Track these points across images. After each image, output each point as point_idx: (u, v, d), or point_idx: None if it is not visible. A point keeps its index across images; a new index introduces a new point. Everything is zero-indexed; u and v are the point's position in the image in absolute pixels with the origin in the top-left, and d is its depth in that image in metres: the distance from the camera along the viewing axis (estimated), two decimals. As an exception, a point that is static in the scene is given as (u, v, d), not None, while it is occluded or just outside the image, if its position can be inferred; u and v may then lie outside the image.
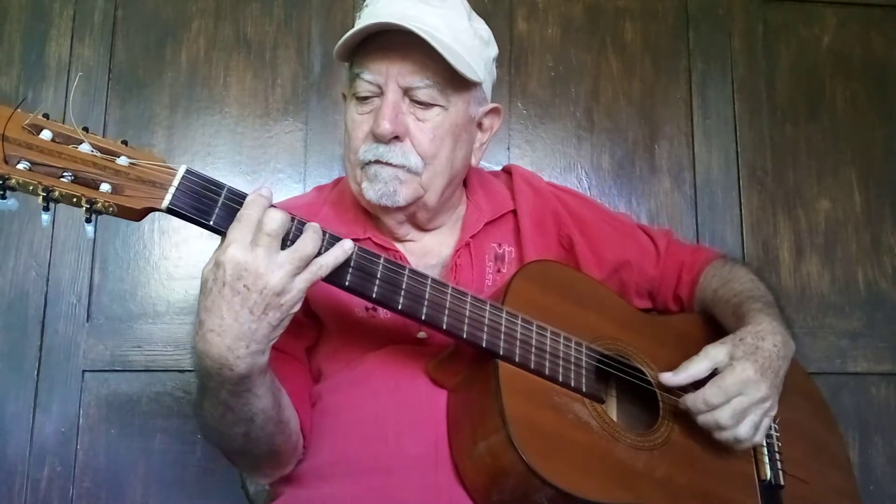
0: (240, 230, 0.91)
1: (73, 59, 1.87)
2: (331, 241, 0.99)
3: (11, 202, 0.85)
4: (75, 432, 1.73)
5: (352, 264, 1.00)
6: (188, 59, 1.92)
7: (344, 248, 0.97)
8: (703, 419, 1.12)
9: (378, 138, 1.17)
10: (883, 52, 2.12)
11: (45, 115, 0.88)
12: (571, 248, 1.36)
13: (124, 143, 0.91)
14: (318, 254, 0.96)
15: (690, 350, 1.20)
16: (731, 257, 1.52)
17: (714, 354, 1.14)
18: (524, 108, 1.99)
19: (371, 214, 1.30)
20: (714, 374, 1.14)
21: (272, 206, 0.95)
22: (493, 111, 1.32)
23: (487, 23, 1.29)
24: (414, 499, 1.06)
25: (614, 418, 1.15)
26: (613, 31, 2.06)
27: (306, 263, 0.93)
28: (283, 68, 1.94)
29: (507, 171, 1.45)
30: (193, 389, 1.13)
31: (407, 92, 1.18)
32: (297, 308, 0.95)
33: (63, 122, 0.89)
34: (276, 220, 0.92)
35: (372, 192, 1.19)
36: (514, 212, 1.34)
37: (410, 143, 1.19)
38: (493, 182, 1.40)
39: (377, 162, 1.19)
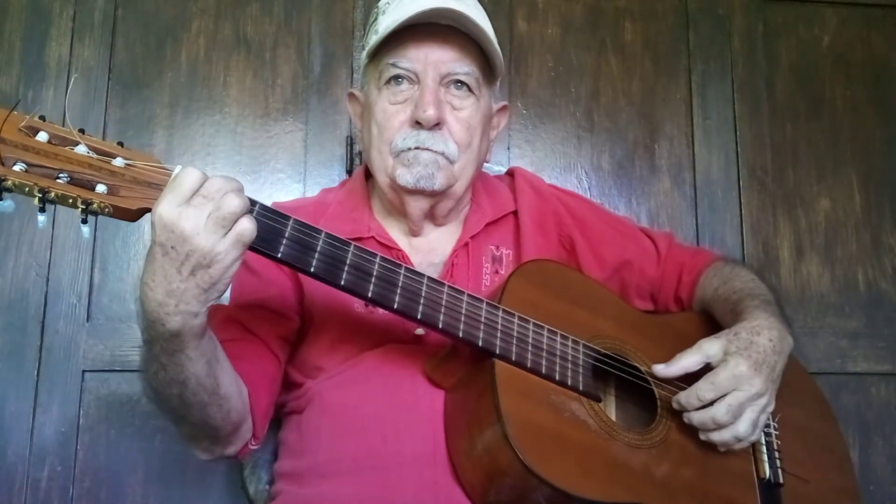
0: (172, 189, 0.88)
1: (73, 59, 1.86)
2: (327, 240, 0.99)
3: (7, 203, 0.85)
4: (75, 432, 1.73)
5: (348, 263, 0.99)
6: (188, 59, 1.91)
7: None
8: (699, 417, 1.12)
9: (423, 123, 1.19)
10: (883, 52, 2.12)
11: (42, 117, 0.88)
12: (572, 248, 1.37)
13: (120, 144, 0.92)
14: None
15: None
16: (732, 259, 1.51)
17: (707, 348, 1.14)
18: (524, 108, 1.99)
19: (377, 213, 1.31)
20: (707, 369, 1.13)
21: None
22: (503, 109, 1.37)
23: (487, 23, 1.30)
24: (412, 498, 1.06)
25: (612, 417, 1.15)
26: (613, 31, 2.05)
27: (231, 222, 0.88)
28: (283, 68, 1.94)
29: (511, 173, 1.46)
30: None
31: (443, 80, 1.21)
32: (231, 272, 0.91)
33: (62, 124, 0.89)
34: (215, 185, 0.88)
35: (409, 175, 1.20)
36: (515, 213, 1.35)
37: (448, 131, 1.21)
38: (496, 184, 1.42)
39: (417, 148, 1.20)
